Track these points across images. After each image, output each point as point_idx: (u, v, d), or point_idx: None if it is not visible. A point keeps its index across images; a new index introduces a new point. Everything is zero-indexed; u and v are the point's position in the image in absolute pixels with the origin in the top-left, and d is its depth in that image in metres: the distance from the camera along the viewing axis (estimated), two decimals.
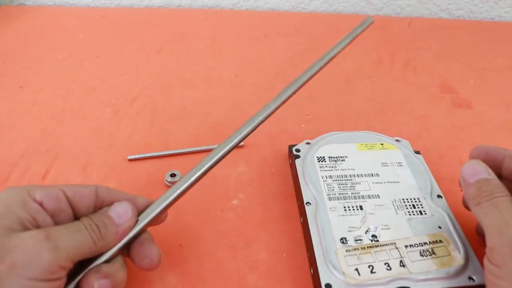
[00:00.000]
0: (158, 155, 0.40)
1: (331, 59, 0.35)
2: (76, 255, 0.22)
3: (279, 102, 0.31)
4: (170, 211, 0.33)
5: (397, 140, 0.39)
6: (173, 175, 0.36)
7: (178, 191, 0.27)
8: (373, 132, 0.40)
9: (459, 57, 0.59)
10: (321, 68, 0.34)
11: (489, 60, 0.59)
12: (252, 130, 0.30)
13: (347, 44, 0.37)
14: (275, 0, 0.73)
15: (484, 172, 0.27)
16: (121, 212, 0.25)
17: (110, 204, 0.26)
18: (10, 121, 0.44)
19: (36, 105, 0.47)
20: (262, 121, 0.30)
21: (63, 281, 0.22)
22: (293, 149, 0.38)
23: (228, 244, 0.32)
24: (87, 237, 0.23)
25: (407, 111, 0.47)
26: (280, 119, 0.44)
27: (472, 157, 0.30)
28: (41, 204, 0.23)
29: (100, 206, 0.26)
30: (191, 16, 0.69)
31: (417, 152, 0.38)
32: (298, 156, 0.37)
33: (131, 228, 0.25)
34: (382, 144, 0.38)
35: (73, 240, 0.22)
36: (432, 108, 0.48)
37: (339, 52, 0.36)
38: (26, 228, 0.22)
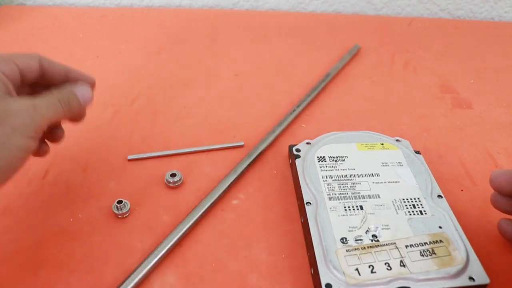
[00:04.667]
0: (158, 155, 0.40)
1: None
2: (51, 121, 0.29)
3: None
4: (168, 211, 0.33)
5: (397, 140, 0.39)
6: (173, 175, 0.36)
7: None
8: (373, 132, 0.40)
9: (459, 57, 0.59)
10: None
11: (489, 60, 0.59)
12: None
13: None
14: (275, 0, 0.73)
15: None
16: (85, 93, 0.32)
17: (51, 71, 0.32)
18: None
19: None
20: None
21: (40, 136, 0.28)
22: (293, 149, 0.38)
23: (228, 244, 0.32)
24: (60, 109, 0.29)
25: (407, 111, 0.47)
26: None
27: (497, 183, 0.30)
28: (7, 77, 0.28)
29: (42, 73, 0.31)
30: (191, 16, 0.69)
31: (417, 152, 0.38)
32: (298, 156, 0.37)
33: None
34: (382, 144, 0.38)
35: (52, 110, 0.29)
36: (432, 108, 0.48)
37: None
38: (9, 95, 0.27)
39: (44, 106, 0.28)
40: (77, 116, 0.33)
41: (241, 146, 0.41)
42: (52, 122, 0.30)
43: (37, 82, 0.32)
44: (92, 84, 0.34)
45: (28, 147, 0.27)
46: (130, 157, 0.39)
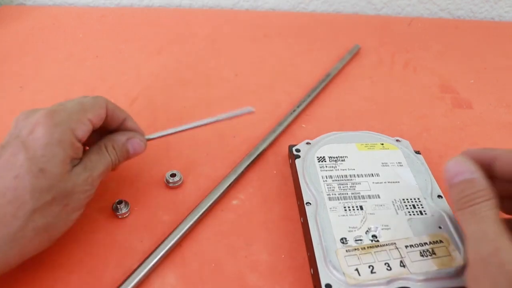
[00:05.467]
0: (169, 132, 0.39)
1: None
2: (101, 176, 0.30)
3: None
4: (168, 211, 0.33)
5: (397, 140, 0.39)
6: (173, 175, 0.36)
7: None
8: (373, 132, 0.40)
9: (459, 57, 0.59)
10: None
11: (489, 60, 0.59)
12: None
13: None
14: (275, 0, 0.73)
15: (467, 171, 0.25)
16: (137, 147, 0.32)
17: (111, 117, 0.31)
18: (10, 121, 0.44)
19: (36, 105, 0.46)
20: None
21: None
22: (293, 149, 0.38)
23: (228, 244, 0.32)
24: (110, 164, 0.30)
25: (407, 111, 0.47)
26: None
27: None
28: (80, 141, 0.28)
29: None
30: (191, 16, 0.69)
31: (417, 152, 0.38)
32: (298, 156, 0.37)
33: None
34: (382, 144, 0.38)
35: (102, 169, 0.29)
36: (432, 108, 0.48)
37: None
38: (74, 162, 0.28)
39: (99, 176, 0.29)
40: None
41: (252, 113, 0.36)
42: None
43: None
44: (143, 135, 0.34)
45: (80, 215, 0.29)
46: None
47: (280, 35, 0.63)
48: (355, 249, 0.29)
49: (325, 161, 0.36)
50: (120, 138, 0.32)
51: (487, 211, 0.23)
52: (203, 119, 0.34)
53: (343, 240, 0.29)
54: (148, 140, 0.34)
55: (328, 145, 0.38)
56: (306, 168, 0.35)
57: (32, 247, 0.26)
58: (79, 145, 0.28)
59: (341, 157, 0.37)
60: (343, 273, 0.27)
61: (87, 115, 0.28)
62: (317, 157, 0.36)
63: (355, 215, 0.31)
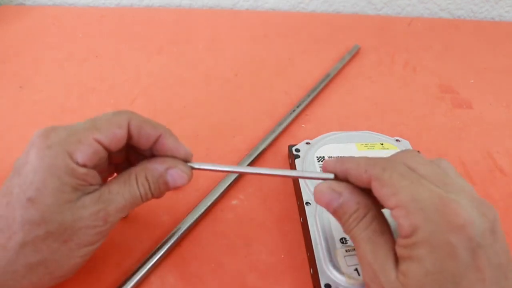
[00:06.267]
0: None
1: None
2: (122, 211, 0.25)
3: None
4: (168, 211, 0.33)
5: (397, 140, 0.39)
6: None
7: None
8: (373, 132, 0.40)
9: (459, 57, 0.59)
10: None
11: (489, 60, 0.59)
12: None
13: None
14: (275, 0, 0.73)
15: (333, 199, 0.24)
16: (178, 179, 0.26)
17: (141, 136, 0.25)
18: (10, 121, 0.44)
19: (36, 105, 0.47)
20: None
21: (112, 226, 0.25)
22: (293, 149, 0.38)
23: (228, 244, 0.32)
24: (138, 198, 0.25)
25: (407, 111, 0.47)
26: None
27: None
28: (85, 166, 0.23)
29: (130, 137, 0.26)
30: (191, 16, 0.69)
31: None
32: (298, 156, 0.37)
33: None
34: (382, 144, 0.38)
35: (126, 203, 0.25)
36: (432, 108, 0.48)
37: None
38: (81, 191, 0.23)
39: (117, 211, 0.24)
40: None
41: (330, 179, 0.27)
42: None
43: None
44: (188, 157, 0.27)
45: (95, 249, 0.24)
46: None
47: (280, 35, 0.63)
48: (355, 249, 0.28)
49: None
50: (156, 168, 0.26)
51: (362, 233, 0.23)
52: (273, 169, 0.27)
53: (343, 240, 0.29)
54: (193, 169, 0.28)
55: (328, 145, 0.38)
56: (305, 168, 0.35)
57: (29, 284, 0.23)
58: (84, 171, 0.23)
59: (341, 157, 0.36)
60: (343, 273, 0.27)
61: (93, 135, 0.23)
62: (317, 157, 0.36)
63: None
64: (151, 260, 0.30)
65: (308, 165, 0.36)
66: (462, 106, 0.49)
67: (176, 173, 0.26)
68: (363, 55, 0.58)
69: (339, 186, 0.24)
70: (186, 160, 0.27)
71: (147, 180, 0.25)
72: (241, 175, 0.37)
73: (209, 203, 0.34)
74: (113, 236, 0.32)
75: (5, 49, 0.58)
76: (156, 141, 0.26)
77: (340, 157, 0.25)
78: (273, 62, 0.56)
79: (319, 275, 0.27)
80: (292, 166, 0.37)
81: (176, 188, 0.27)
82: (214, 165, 0.27)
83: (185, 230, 0.32)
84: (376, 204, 0.24)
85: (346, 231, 0.24)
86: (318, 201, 0.25)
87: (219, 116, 0.46)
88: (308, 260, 0.30)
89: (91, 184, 0.24)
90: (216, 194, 0.35)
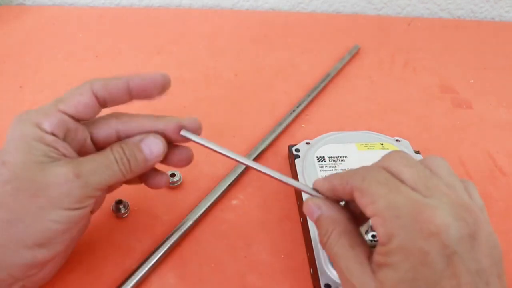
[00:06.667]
0: None
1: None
2: (105, 186, 0.25)
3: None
4: (168, 211, 0.33)
5: (397, 140, 0.39)
6: (172, 175, 0.36)
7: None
8: (373, 132, 0.40)
9: (459, 57, 0.59)
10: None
11: (489, 60, 0.59)
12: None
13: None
14: (275, 0, 0.73)
15: (313, 212, 0.25)
16: (153, 148, 0.27)
17: (113, 95, 0.27)
18: (10, 121, 0.44)
19: (36, 105, 0.46)
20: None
21: (93, 202, 0.25)
22: (293, 149, 0.38)
23: (228, 244, 0.32)
24: (117, 171, 0.25)
25: (407, 111, 0.47)
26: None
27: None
28: (53, 134, 0.24)
29: (103, 103, 0.27)
30: (191, 16, 0.69)
31: (417, 152, 0.38)
32: (298, 156, 0.37)
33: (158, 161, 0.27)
34: (382, 144, 0.38)
35: (103, 175, 0.25)
36: (432, 108, 0.48)
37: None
38: (52, 158, 0.24)
39: (90, 172, 0.24)
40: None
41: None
42: (110, 185, 0.26)
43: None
44: (166, 80, 0.28)
45: (70, 220, 0.24)
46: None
47: (280, 35, 0.63)
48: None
49: (325, 161, 0.36)
50: (130, 139, 0.27)
51: (335, 246, 0.23)
52: (265, 167, 0.29)
53: None
54: (185, 138, 0.28)
55: (328, 145, 0.38)
56: (305, 168, 0.35)
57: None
58: (52, 138, 0.24)
59: (340, 157, 0.36)
60: None
61: (57, 106, 0.25)
62: (317, 157, 0.36)
63: None
64: (151, 260, 0.30)
65: (308, 165, 0.36)
66: (462, 106, 0.49)
67: (149, 140, 0.27)
68: (363, 55, 0.58)
69: (320, 201, 0.25)
70: (165, 85, 0.28)
71: (121, 147, 0.26)
72: (241, 175, 0.37)
73: (209, 203, 0.34)
74: (113, 236, 0.32)
75: (5, 49, 0.58)
76: (129, 90, 0.27)
77: (328, 175, 0.25)
78: (273, 62, 0.56)
79: (319, 275, 0.27)
80: (292, 166, 0.37)
81: (155, 158, 0.27)
82: (208, 142, 0.27)
83: (185, 230, 0.32)
84: (353, 218, 0.24)
85: (322, 246, 0.24)
86: (304, 210, 0.25)
87: (219, 116, 0.46)
88: (308, 260, 0.30)
89: (64, 155, 0.24)
90: (216, 194, 0.35)
